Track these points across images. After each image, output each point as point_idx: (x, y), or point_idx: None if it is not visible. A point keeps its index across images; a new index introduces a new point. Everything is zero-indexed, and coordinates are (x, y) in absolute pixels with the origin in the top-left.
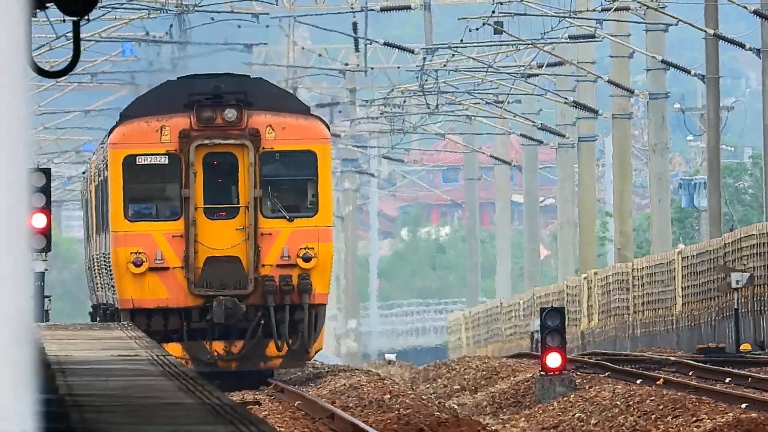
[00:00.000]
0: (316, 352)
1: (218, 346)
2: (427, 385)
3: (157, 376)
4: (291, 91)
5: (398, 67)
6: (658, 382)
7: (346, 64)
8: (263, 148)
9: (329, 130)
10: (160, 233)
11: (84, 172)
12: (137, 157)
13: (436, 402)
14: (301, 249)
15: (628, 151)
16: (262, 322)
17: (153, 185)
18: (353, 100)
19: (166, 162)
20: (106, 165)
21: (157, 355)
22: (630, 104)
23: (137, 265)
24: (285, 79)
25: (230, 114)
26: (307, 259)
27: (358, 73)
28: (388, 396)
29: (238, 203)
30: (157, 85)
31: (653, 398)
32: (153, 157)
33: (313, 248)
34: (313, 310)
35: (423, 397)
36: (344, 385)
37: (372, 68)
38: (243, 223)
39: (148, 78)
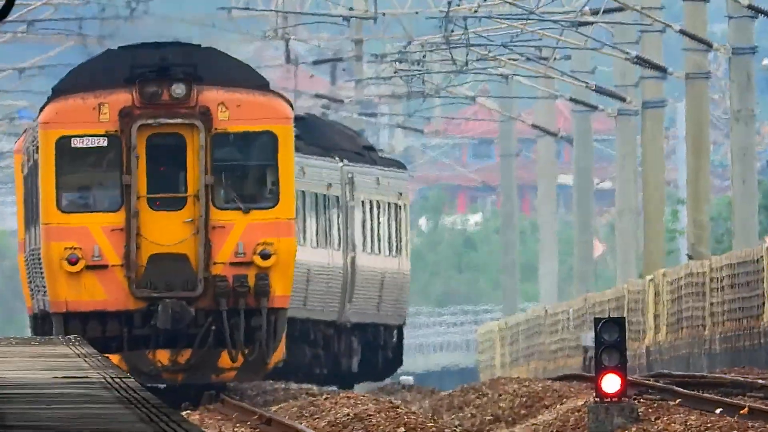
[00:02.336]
0: (275, 364)
1: (163, 356)
2: (453, 416)
3: (113, 403)
4: (280, 43)
5: (416, 13)
6: (742, 412)
7: (351, 9)
8: (215, 129)
9: (292, 108)
10: (98, 226)
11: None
12: (72, 139)
13: None
14: (258, 245)
15: (705, 119)
16: (213, 328)
17: (90, 171)
18: (360, 55)
19: (105, 144)
20: (37, 147)
21: (112, 377)
22: (708, 61)
23: (72, 262)
24: (274, 29)
25: (178, 90)
26: (265, 257)
27: (367, 21)
28: (403, 429)
29: (187, 192)
30: (95, 56)
31: None
32: (90, 138)
33: (272, 244)
34: (273, 315)
35: (447, 430)
36: (347, 415)
37: (383, 14)
38: (192, 215)
39: (99, 27)
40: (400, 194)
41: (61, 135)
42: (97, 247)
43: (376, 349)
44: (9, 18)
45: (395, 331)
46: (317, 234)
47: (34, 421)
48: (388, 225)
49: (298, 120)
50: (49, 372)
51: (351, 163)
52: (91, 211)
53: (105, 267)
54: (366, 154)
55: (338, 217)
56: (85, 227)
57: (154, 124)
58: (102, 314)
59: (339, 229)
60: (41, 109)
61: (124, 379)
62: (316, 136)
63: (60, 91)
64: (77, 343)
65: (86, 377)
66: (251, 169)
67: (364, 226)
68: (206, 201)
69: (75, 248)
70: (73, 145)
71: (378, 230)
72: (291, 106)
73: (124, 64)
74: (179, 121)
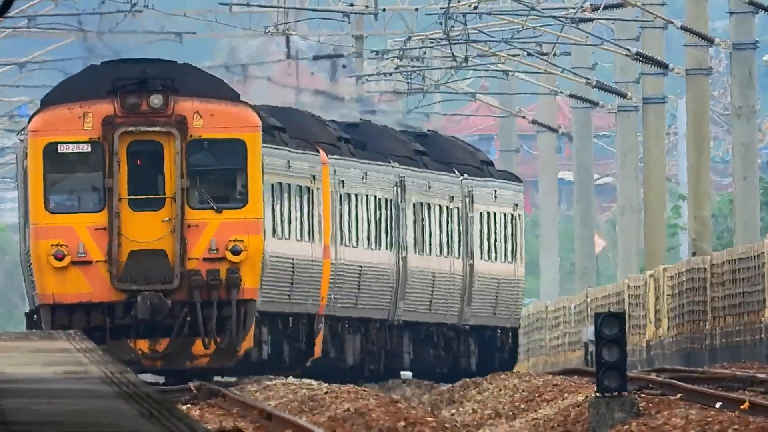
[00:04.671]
0: (245, 351)
1: (142, 345)
2: (452, 410)
3: (113, 398)
4: (280, 39)
5: (416, 9)
6: (742, 407)
7: (352, 5)
8: (190, 136)
9: (260, 117)
10: (83, 225)
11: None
12: (58, 145)
13: (464, 431)
14: (230, 242)
15: (706, 115)
16: (188, 318)
17: (75, 175)
18: (360, 50)
19: (89, 150)
20: (26, 153)
21: (112, 372)
22: (709, 57)
23: (59, 258)
24: (274, 24)
25: (156, 100)
26: (236, 252)
27: (367, 16)
28: (403, 424)
29: (164, 194)
30: (80, 71)
31: (737, 426)
32: (75, 145)
33: (242, 241)
34: (242, 306)
35: (447, 425)
36: (348, 410)
37: (384, 10)
38: (169, 215)
39: (98, 22)
40: (516, 205)
41: (48, 142)
42: (82, 244)
43: (493, 351)
44: (9, 13)
45: (510, 333)
46: (441, 243)
47: (35, 416)
48: (504, 234)
49: (423, 137)
50: (49, 367)
51: (470, 177)
52: (76, 212)
53: (89, 263)
54: (484, 168)
55: (459, 227)
56: (70, 226)
57: (134, 132)
58: (86, 306)
59: (459, 238)
60: (30, 119)
61: (124, 374)
62: (438, 151)
63: (47, 102)
64: (77, 338)
65: (86, 372)
66: (223, 172)
67: (481, 236)
68: (182, 202)
69: (61, 245)
70: (59, 151)
71: (495, 239)
72: (259, 116)
73: (107, 77)
74: (157, 128)
